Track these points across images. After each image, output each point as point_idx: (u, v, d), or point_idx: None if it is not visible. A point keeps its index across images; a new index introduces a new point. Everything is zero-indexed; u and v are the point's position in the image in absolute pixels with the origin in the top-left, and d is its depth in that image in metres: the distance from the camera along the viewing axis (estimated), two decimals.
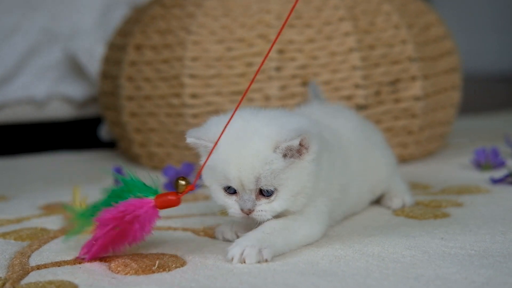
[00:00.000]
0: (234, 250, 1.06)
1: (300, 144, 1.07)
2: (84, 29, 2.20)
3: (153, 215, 1.07)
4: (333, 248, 1.11)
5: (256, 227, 1.10)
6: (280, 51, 1.69)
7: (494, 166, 1.64)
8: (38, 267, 1.06)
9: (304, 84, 1.68)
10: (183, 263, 1.06)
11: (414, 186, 1.50)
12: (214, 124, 1.11)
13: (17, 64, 2.16)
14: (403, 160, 1.76)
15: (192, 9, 1.77)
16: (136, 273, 1.03)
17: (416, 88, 1.74)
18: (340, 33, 1.71)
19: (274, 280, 0.98)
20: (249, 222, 1.12)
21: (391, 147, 1.48)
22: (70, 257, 1.10)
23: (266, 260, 1.05)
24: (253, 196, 1.08)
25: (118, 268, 1.04)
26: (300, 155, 1.08)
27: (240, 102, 1.11)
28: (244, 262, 1.04)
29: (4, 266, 1.07)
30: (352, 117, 1.36)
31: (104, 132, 2.14)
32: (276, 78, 1.68)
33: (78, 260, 1.08)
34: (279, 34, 1.13)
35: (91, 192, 1.57)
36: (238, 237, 1.16)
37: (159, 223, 1.29)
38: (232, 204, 1.10)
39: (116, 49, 1.89)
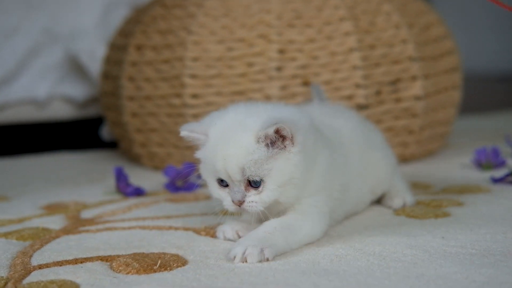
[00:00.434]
0: (236, 249, 1.06)
1: (280, 134, 1.07)
2: (85, 30, 2.20)
3: None
4: (334, 248, 1.11)
5: (257, 227, 1.11)
6: (281, 51, 1.70)
7: (495, 165, 1.64)
8: (40, 267, 1.06)
9: (305, 84, 1.69)
10: (184, 263, 1.07)
11: (415, 186, 1.50)
12: (210, 118, 1.14)
13: (18, 65, 2.16)
14: (403, 159, 1.77)
15: (192, 9, 1.78)
16: (138, 272, 1.03)
17: (416, 88, 1.74)
18: (341, 33, 1.71)
19: (275, 280, 0.98)
20: (247, 217, 1.14)
21: (392, 146, 1.48)
22: (71, 256, 1.10)
23: (268, 260, 1.05)
24: (242, 188, 1.09)
25: (120, 268, 1.04)
26: (285, 146, 1.08)
27: None
28: (246, 261, 1.05)
29: (6, 265, 1.08)
30: (352, 116, 1.36)
31: (105, 132, 2.15)
32: (277, 78, 1.69)
33: (80, 260, 1.09)
34: None
35: (92, 192, 1.58)
36: (239, 236, 1.16)
37: (160, 222, 1.30)
38: (225, 196, 1.12)
39: (117, 49, 1.89)
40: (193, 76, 1.72)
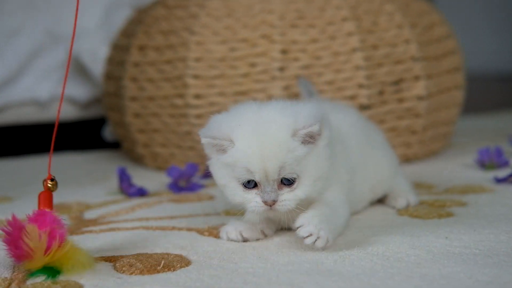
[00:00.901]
0: (309, 228, 1.06)
1: (314, 131, 1.08)
2: (87, 30, 2.20)
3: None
4: (337, 248, 1.11)
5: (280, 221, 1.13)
6: (284, 51, 1.70)
7: (498, 165, 1.64)
8: None
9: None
10: (188, 263, 1.07)
11: (418, 186, 1.50)
12: (221, 122, 1.11)
13: (21, 66, 2.16)
14: (406, 160, 1.77)
15: (195, 10, 1.78)
16: (141, 273, 1.03)
17: (419, 88, 1.74)
18: (343, 33, 1.71)
19: (279, 280, 0.98)
20: (271, 216, 1.14)
21: (395, 147, 1.48)
22: None
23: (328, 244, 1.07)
24: (276, 187, 1.08)
25: (123, 268, 1.04)
26: (315, 140, 1.09)
27: None
28: (315, 243, 1.06)
29: (10, 266, 1.07)
30: (351, 113, 1.37)
31: (108, 132, 2.15)
32: (280, 78, 1.69)
33: None
34: None
35: (95, 193, 1.58)
36: (242, 237, 1.16)
37: (163, 223, 1.30)
38: (252, 198, 1.10)
39: (120, 50, 1.89)
40: (196, 77, 1.72)
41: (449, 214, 1.28)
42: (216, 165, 1.12)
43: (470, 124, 2.30)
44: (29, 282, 1.00)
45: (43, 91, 2.16)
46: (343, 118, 1.30)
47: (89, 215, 1.39)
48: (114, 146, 2.13)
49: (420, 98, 1.74)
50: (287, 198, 1.09)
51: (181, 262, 1.07)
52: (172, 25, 1.79)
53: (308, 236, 1.07)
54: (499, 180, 1.50)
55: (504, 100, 3.08)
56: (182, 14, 1.79)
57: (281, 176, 1.08)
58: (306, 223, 1.08)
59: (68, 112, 2.20)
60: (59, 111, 1.14)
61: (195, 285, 0.98)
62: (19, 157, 2.08)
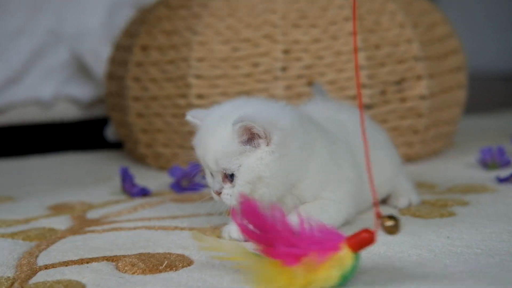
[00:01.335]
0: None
1: (251, 132, 1.09)
2: (90, 30, 2.20)
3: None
4: None
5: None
6: (286, 51, 1.70)
7: (500, 165, 1.64)
8: (46, 267, 1.07)
9: (309, 84, 1.69)
10: (190, 263, 1.07)
11: (420, 185, 1.50)
12: (213, 107, 1.18)
13: (24, 66, 2.17)
14: (408, 159, 1.77)
15: (197, 10, 1.78)
16: (143, 272, 1.03)
17: (421, 87, 1.74)
18: (345, 33, 1.71)
19: None
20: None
21: (397, 146, 1.48)
22: (77, 257, 1.11)
23: None
24: (220, 179, 1.13)
25: (126, 268, 1.04)
26: (259, 144, 1.10)
27: None
28: None
29: (12, 266, 1.08)
30: (355, 113, 1.37)
31: (110, 132, 2.15)
32: (282, 78, 1.69)
33: (86, 260, 1.09)
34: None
35: (98, 193, 1.58)
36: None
37: (166, 223, 1.30)
38: (211, 184, 1.16)
39: (122, 50, 1.90)
40: (198, 77, 1.72)
41: (451, 214, 1.28)
42: None
43: (472, 124, 2.30)
44: (31, 281, 1.01)
45: (45, 91, 2.17)
46: (347, 118, 1.31)
47: (92, 215, 1.39)
48: (116, 146, 2.13)
49: (422, 97, 1.74)
50: (228, 192, 1.12)
51: (183, 261, 1.07)
52: (175, 25, 1.79)
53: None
54: (501, 180, 1.50)
55: (506, 100, 3.08)
56: (185, 14, 1.79)
57: (219, 169, 1.12)
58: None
59: (71, 112, 2.21)
60: None
61: (197, 284, 0.98)
62: (21, 157, 2.08)
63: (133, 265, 1.05)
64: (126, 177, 1.54)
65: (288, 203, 1.16)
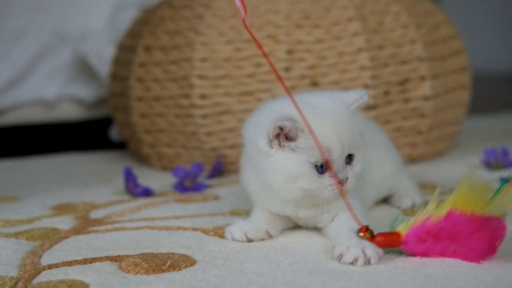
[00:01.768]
0: (355, 251, 1.04)
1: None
2: (93, 31, 2.21)
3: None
4: None
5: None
6: (289, 52, 1.70)
7: (504, 165, 1.64)
8: (50, 267, 1.07)
9: (313, 84, 1.69)
10: (193, 263, 1.07)
11: (424, 186, 1.50)
12: (275, 111, 1.10)
13: (28, 66, 2.17)
14: (412, 160, 1.76)
15: (200, 10, 1.78)
16: (147, 272, 1.03)
17: (425, 88, 1.74)
18: (349, 33, 1.71)
19: (284, 280, 0.99)
20: (255, 217, 1.18)
21: (400, 147, 1.48)
22: (80, 256, 1.11)
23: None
24: (345, 166, 1.11)
25: (129, 268, 1.05)
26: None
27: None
28: (369, 263, 1.03)
29: (16, 265, 1.08)
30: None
31: (114, 133, 2.15)
32: (285, 78, 1.69)
33: (89, 260, 1.09)
34: None
35: (101, 193, 1.58)
36: (247, 237, 1.16)
37: (169, 223, 1.30)
38: (327, 182, 1.09)
39: (126, 50, 1.90)
40: (201, 77, 1.73)
41: None
42: (283, 156, 1.09)
43: (476, 124, 2.30)
44: (35, 281, 1.01)
45: (49, 91, 2.17)
46: None
47: (95, 215, 1.39)
48: (120, 146, 2.13)
49: (426, 98, 1.74)
50: (352, 175, 1.11)
51: (186, 262, 1.07)
52: (178, 25, 1.79)
53: (354, 260, 1.03)
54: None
55: (510, 100, 3.08)
56: (188, 15, 1.79)
57: (349, 151, 1.10)
58: (345, 250, 1.05)
59: (74, 112, 2.21)
60: None
61: (200, 284, 0.98)
62: (25, 157, 2.08)
63: (136, 265, 1.05)
64: (129, 177, 1.54)
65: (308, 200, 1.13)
